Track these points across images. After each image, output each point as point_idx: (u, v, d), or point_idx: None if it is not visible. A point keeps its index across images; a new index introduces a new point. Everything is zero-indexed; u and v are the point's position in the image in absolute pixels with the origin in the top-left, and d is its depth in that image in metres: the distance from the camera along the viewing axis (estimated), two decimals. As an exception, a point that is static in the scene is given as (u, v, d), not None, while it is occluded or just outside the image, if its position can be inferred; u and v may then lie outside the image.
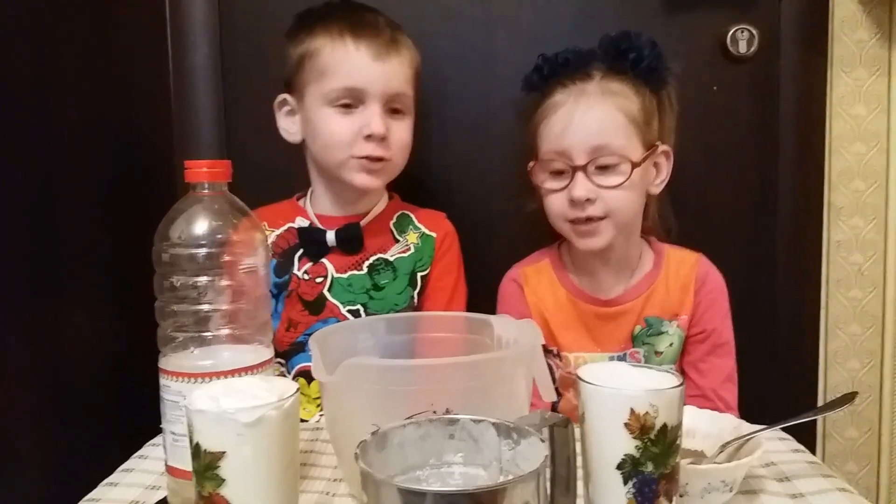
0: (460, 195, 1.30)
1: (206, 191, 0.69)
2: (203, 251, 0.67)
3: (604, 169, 1.01)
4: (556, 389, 1.10)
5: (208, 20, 1.29)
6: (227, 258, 0.68)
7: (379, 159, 1.06)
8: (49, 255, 0.89)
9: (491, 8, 1.28)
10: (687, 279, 1.09)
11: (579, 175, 1.01)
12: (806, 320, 1.34)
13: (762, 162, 1.31)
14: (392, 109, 1.07)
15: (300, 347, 1.10)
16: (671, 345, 1.08)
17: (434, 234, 1.15)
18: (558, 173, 1.04)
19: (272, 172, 1.24)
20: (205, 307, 0.67)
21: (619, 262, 1.10)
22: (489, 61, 1.28)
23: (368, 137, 1.04)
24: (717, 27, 1.27)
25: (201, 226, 0.68)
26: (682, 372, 1.10)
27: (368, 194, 1.12)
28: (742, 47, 1.27)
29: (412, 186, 1.22)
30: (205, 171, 0.68)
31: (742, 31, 1.27)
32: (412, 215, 1.17)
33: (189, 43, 1.29)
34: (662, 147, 1.06)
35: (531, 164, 1.10)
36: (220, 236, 0.68)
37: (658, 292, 1.09)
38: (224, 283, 0.67)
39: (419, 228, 1.16)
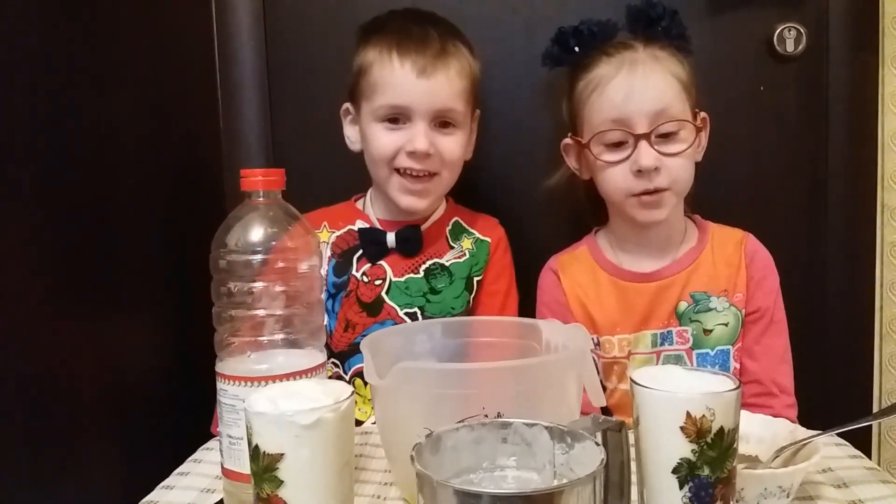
0: (508, 198, 1.30)
1: (261, 199, 0.71)
2: (259, 258, 0.69)
3: (664, 137, 1.00)
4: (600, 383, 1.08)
5: (254, 33, 1.31)
6: (281, 264, 0.69)
7: (422, 177, 1.07)
8: (110, 264, 0.92)
9: (535, 10, 1.28)
10: (734, 255, 1.07)
11: (643, 144, 0.99)
12: (860, 324, 1.30)
13: (812, 163, 1.29)
14: (441, 124, 1.07)
15: (357, 349, 1.08)
16: (726, 325, 1.05)
17: (489, 239, 1.16)
18: (616, 145, 1.02)
19: (317, 180, 1.26)
20: (260, 312, 0.69)
21: (664, 238, 1.09)
22: (532, 65, 1.28)
23: (411, 154, 1.05)
24: (763, 26, 1.25)
25: (257, 233, 0.69)
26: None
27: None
28: (789, 46, 1.25)
29: (463, 190, 1.22)
30: (260, 180, 0.70)
31: (789, 30, 1.25)
32: (465, 223, 1.17)
33: (236, 56, 1.31)
34: (702, 113, 1.06)
35: (566, 140, 1.10)
36: (274, 243, 0.69)
37: (703, 266, 1.07)
38: (279, 288, 0.69)
39: (473, 234, 1.16)
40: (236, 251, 0.69)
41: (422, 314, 1.10)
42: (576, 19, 1.25)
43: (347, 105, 1.13)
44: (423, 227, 1.14)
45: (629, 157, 1.00)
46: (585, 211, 1.17)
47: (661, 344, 1.06)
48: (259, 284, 0.68)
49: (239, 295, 0.69)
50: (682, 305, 1.06)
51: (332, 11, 1.28)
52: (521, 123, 1.30)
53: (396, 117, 1.05)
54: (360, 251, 1.12)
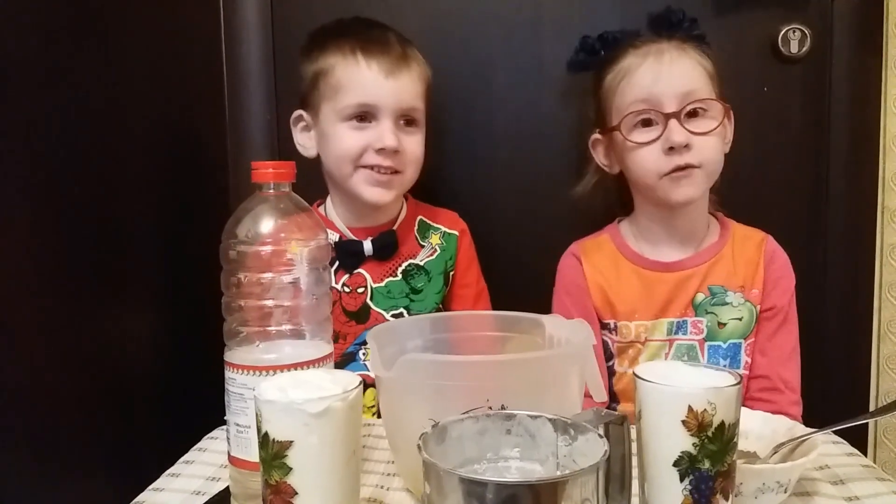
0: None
1: (271, 191, 0.71)
2: (268, 249, 0.69)
3: (693, 117, 1.02)
4: (611, 367, 1.12)
5: (261, 25, 1.32)
6: (290, 256, 0.70)
7: (389, 172, 1.08)
8: (113, 253, 0.93)
9: (541, 10, 1.29)
10: (755, 254, 1.10)
11: (673, 122, 1.01)
12: (858, 325, 1.32)
13: (814, 164, 1.30)
14: (405, 123, 1.09)
15: (351, 358, 1.12)
16: (740, 319, 1.08)
17: (456, 232, 1.19)
18: (645, 127, 1.04)
19: (322, 174, 1.26)
20: (269, 303, 0.70)
21: (688, 229, 1.11)
22: (538, 63, 1.30)
23: (380, 151, 1.06)
24: (768, 27, 1.26)
25: (267, 224, 0.70)
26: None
27: (387, 207, 1.14)
28: (794, 47, 1.26)
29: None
30: (271, 172, 0.70)
31: (794, 31, 1.26)
32: (428, 219, 1.20)
33: (243, 48, 1.32)
34: (726, 105, 1.07)
35: (594, 135, 1.12)
36: (283, 235, 0.70)
37: (724, 261, 1.10)
38: (287, 280, 0.70)
39: (439, 229, 1.19)
40: (246, 242, 0.70)
41: (408, 314, 1.12)
42: (581, 18, 1.27)
43: (300, 112, 1.14)
44: (395, 227, 1.16)
45: (660, 136, 1.02)
46: (615, 206, 1.20)
47: (676, 333, 1.09)
48: (268, 275, 0.69)
49: (248, 285, 0.69)
50: (700, 297, 1.09)
51: (339, 4, 1.28)
52: (529, 123, 1.32)
53: (363, 116, 1.07)
54: (337, 263, 1.12)
